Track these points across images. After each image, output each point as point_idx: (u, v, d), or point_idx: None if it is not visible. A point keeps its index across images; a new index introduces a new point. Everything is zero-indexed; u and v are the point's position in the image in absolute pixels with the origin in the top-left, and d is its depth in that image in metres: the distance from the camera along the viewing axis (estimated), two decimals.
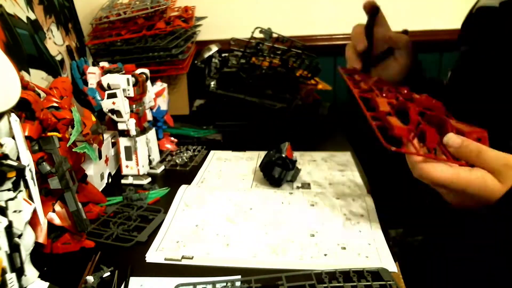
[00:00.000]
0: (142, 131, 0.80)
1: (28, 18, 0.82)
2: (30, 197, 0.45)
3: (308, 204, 0.66)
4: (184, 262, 0.54)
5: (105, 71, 0.77)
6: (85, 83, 0.86)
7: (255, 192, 0.72)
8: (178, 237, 0.59)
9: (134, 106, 0.77)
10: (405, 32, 0.76)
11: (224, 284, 0.48)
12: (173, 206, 0.67)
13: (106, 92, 0.73)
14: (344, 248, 0.55)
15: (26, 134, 0.52)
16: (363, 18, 1.22)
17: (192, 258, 0.54)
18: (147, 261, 0.54)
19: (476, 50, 0.61)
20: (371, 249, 0.55)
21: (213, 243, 0.57)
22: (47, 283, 0.45)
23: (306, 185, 0.75)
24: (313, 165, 0.84)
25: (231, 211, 0.65)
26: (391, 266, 0.51)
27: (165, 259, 0.54)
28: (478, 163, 0.45)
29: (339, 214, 0.63)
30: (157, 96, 0.90)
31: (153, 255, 0.55)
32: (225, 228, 0.61)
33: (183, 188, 0.72)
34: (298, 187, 0.75)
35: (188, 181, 0.78)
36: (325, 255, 0.54)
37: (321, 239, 0.57)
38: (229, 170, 0.84)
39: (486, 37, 0.59)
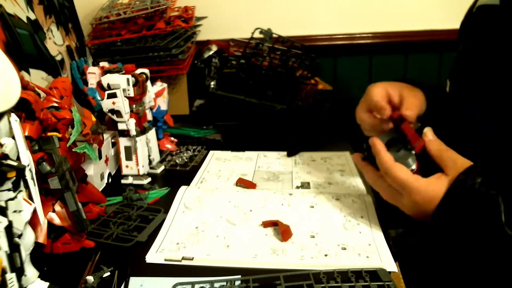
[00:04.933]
0: (142, 131, 0.80)
1: (28, 18, 0.82)
2: (30, 197, 0.45)
3: (308, 205, 0.66)
4: (184, 262, 0.54)
5: (105, 71, 0.78)
6: (85, 83, 0.86)
7: (255, 193, 0.72)
8: (178, 238, 0.59)
9: (134, 106, 0.77)
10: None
11: (223, 283, 0.48)
12: (173, 207, 0.67)
13: (106, 92, 0.73)
14: (345, 249, 0.55)
15: (26, 134, 0.52)
16: (363, 18, 1.22)
17: (192, 259, 0.54)
18: (147, 261, 0.54)
19: (476, 48, 0.62)
20: (371, 249, 0.55)
21: (213, 244, 0.58)
22: (47, 283, 0.45)
23: (305, 185, 0.75)
24: (313, 165, 0.84)
25: (230, 212, 0.65)
26: (392, 266, 0.51)
27: (165, 260, 0.54)
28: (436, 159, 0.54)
29: (339, 215, 0.63)
30: (157, 96, 0.90)
31: (153, 256, 0.55)
32: (225, 230, 0.61)
33: (182, 189, 0.72)
34: (297, 187, 0.75)
35: (188, 181, 0.78)
36: (326, 255, 0.54)
37: (321, 240, 0.58)
38: (229, 170, 0.84)
39: (487, 35, 0.59)
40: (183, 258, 0.54)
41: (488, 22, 0.60)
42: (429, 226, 0.52)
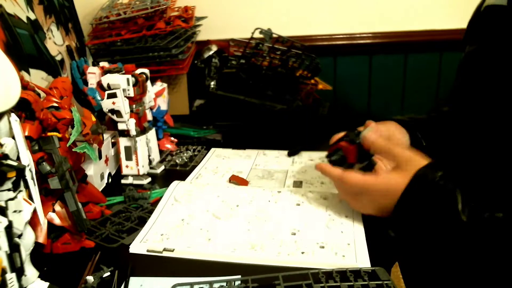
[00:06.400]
0: (142, 131, 0.80)
1: (28, 18, 0.82)
2: (30, 197, 0.45)
3: (294, 203, 0.67)
4: (165, 254, 0.55)
5: (105, 71, 0.78)
6: (85, 83, 0.86)
7: (245, 189, 0.72)
8: (163, 230, 0.60)
9: (134, 106, 0.77)
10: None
11: (222, 284, 0.48)
12: (162, 200, 0.69)
13: (106, 92, 0.73)
14: (323, 247, 0.56)
15: (26, 134, 0.52)
16: (363, 18, 1.22)
17: (173, 250, 0.55)
18: (130, 251, 0.56)
19: (484, 49, 0.61)
20: (349, 249, 0.55)
21: (196, 237, 0.59)
22: (47, 283, 0.45)
23: (298, 183, 0.76)
24: (310, 165, 0.84)
25: (217, 207, 0.66)
26: (366, 266, 0.51)
27: (147, 251, 0.56)
28: (387, 157, 0.58)
29: (323, 213, 0.64)
30: (157, 96, 0.90)
31: (136, 246, 0.57)
32: (209, 224, 0.62)
33: (174, 183, 0.73)
34: (289, 185, 0.75)
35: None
36: (303, 253, 0.55)
37: (301, 237, 0.58)
38: (226, 167, 0.85)
39: (494, 36, 0.59)
40: (165, 250, 0.55)
41: (496, 23, 0.59)
42: (390, 219, 0.55)
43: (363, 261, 0.52)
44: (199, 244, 0.57)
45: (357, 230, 0.59)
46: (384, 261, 0.51)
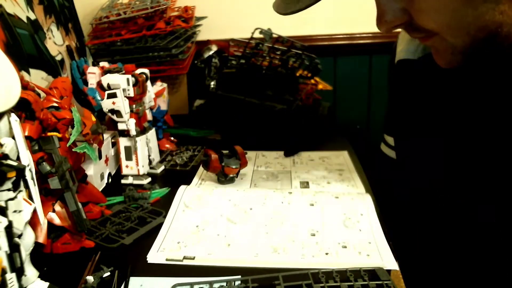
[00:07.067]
0: (142, 131, 0.80)
1: (28, 18, 0.82)
2: (30, 197, 0.45)
3: (307, 204, 0.66)
4: (186, 262, 0.54)
5: (105, 71, 0.78)
6: (85, 83, 0.86)
7: (255, 191, 0.72)
8: (179, 237, 0.59)
9: (134, 106, 0.77)
10: None
11: (221, 284, 0.48)
12: (173, 207, 0.67)
13: (106, 92, 0.73)
14: (345, 247, 0.55)
15: (26, 134, 0.52)
16: (363, 18, 1.22)
17: (193, 258, 0.54)
18: (148, 261, 0.54)
19: (398, 102, 0.63)
20: (372, 248, 0.55)
21: (214, 243, 0.57)
22: (47, 283, 0.45)
23: (304, 184, 0.76)
24: (311, 165, 0.84)
25: (231, 211, 0.65)
26: (392, 264, 0.51)
27: (167, 260, 0.54)
28: None
29: (339, 213, 0.63)
30: (157, 96, 0.90)
31: (154, 256, 0.55)
32: (225, 229, 0.61)
33: (182, 188, 0.72)
34: (296, 186, 0.75)
35: (188, 181, 0.78)
36: (327, 254, 0.54)
37: (321, 238, 0.58)
38: None
39: (406, 90, 0.60)
40: (185, 258, 0.54)
41: (407, 77, 0.60)
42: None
43: (388, 260, 0.52)
44: (219, 250, 0.56)
45: (375, 229, 0.59)
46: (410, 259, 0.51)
